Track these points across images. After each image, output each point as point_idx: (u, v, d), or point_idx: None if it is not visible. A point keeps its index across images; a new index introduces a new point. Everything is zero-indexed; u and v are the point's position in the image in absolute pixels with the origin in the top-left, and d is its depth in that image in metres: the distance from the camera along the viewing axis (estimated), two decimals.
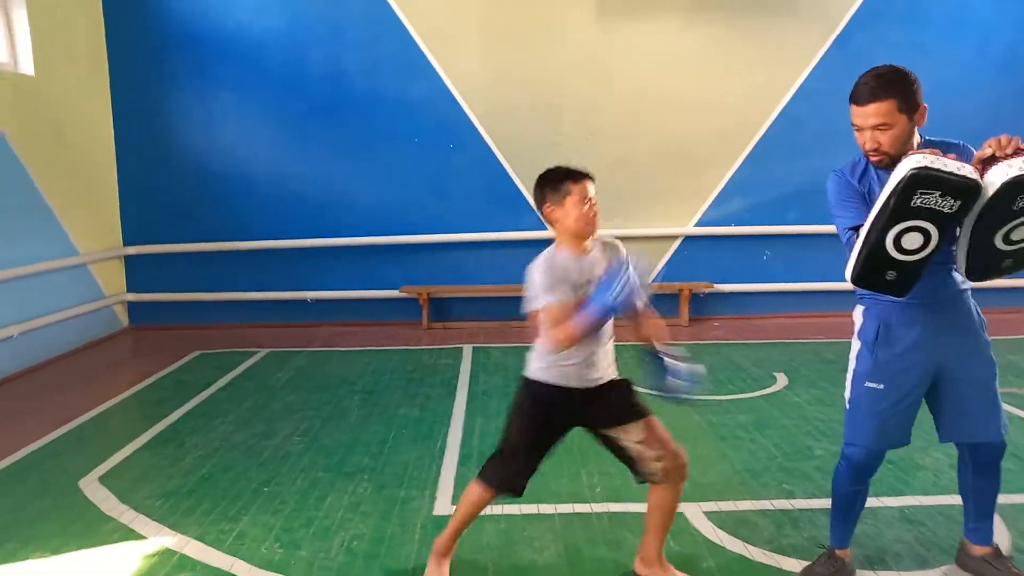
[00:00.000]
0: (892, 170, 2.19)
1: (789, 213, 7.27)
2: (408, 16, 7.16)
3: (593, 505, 3.23)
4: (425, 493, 3.39)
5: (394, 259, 7.40)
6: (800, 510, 3.15)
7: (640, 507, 3.04)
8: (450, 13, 7.20)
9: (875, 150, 2.24)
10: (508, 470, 2.55)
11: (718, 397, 4.79)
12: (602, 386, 2.51)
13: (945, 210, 2.00)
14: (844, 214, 2.35)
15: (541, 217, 2.49)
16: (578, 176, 2.41)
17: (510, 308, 7.40)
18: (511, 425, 2.59)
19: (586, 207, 2.38)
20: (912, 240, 2.06)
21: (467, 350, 6.24)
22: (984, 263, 2.17)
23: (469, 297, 7.41)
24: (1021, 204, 2.03)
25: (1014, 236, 2.09)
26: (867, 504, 2.62)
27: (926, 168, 1.97)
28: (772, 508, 3.18)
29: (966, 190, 1.98)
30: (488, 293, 7.33)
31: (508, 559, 2.75)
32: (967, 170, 1.99)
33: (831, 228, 8.01)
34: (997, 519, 2.75)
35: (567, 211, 2.38)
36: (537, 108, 7.27)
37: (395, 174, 7.33)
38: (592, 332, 2.32)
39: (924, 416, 2.45)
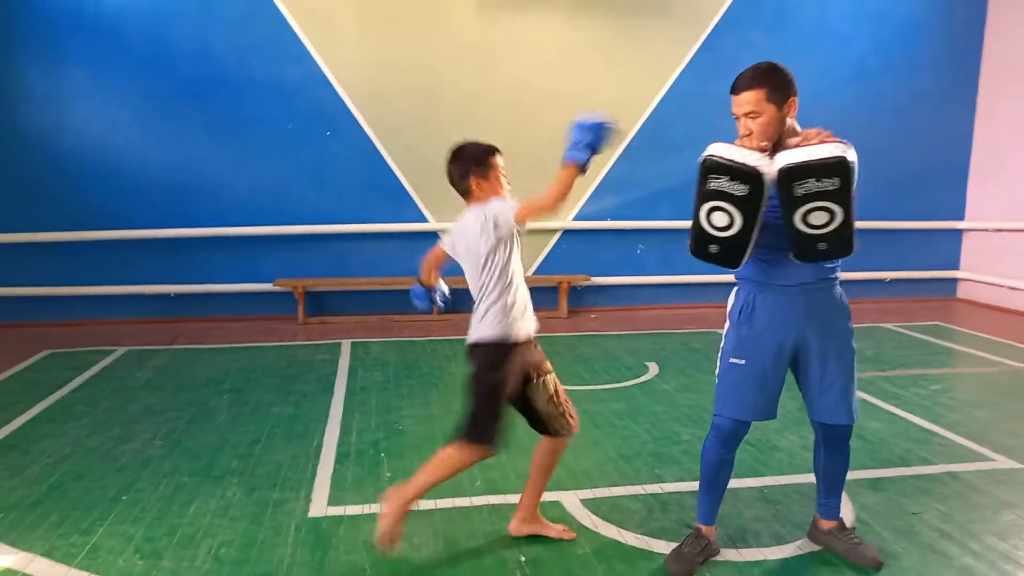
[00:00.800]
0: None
1: (661, 208, 7.57)
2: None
3: (473, 499, 3.23)
4: (300, 494, 3.27)
5: (267, 251, 7.10)
6: (669, 493, 3.29)
7: (518, 498, 3.09)
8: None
9: (747, 136, 2.40)
10: (491, 427, 2.59)
11: (594, 387, 4.93)
12: (531, 340, 2.69)
13: (737, 193, 2.26)
14: None
15: (458, 186, 2.66)
16: (496, 151, 2.66)
17: (390, 302, 7.35)
18: (479, 390, 2.61)
19: (505, 179, 2.65)
20: (719, 219, 2.32)
21: (345, 345, 6.09)
22: (799, 245, 2.32)
23: (347, 291, 7.24)
24: (801, 191, 2.23)
25: (812, 220, 2.25)
26: (729, 486, 2.76)
27: (712, 156, 2.28)
28: (643, 493, 3.29)
29: (747, 176, 2.24)
30: (368, 287, 7.19)
31: (386, 557, 2.70)
32: (752, 159, 2.25)
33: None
34: (844, 495, 2.99)
35: (492, 184, 2.62)
36: (416, 96, 7.18)
37: (268, 161, 7.03)
38: (572, 182, 2.43)
39: (782, 399, 2.61)
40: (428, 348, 6.09)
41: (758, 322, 2.54)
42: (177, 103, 6.83)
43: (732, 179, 2.25)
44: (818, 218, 2.24)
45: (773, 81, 2.36)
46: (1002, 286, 7.86)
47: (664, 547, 2.78)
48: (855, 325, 2.62)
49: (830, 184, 2.20)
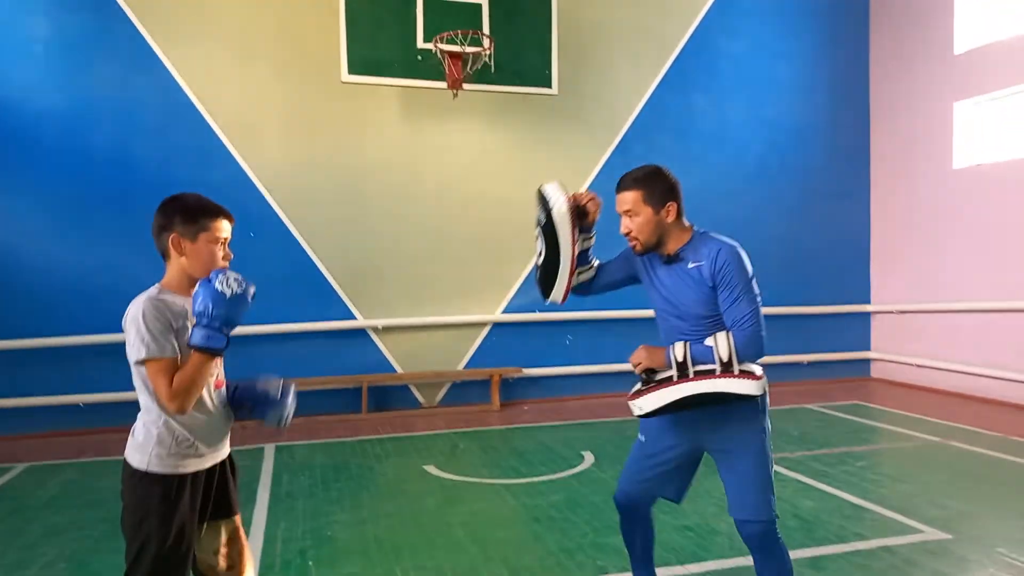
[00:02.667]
0: (652, 256, 2.56)
1: (586, 300, 7.67)
2: (204, 103, 6.91)
3: None
4: None
5: None
6: None
7: None
8: (250, 103, 7.05)
9: (627, 234, 2.48)
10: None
11: (531, 479, 4.83)
12: (219, 465, 2.17)
13: (540, 221, 2.64)
14: None
15: (156, 242, 2.13)
16: (219, 212, 2.11)
17: (316, 402, 7.12)
18: (139, 541, 2.02)
19: (220, 251, 2.10)
20: (538, 245, 2.67)
21: (268, 450, 5.81)
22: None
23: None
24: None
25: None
26: (675, 572, 2.71)
27: (540, 189, 2.68)
28: None
29: (545, 205, 2.62)
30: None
31: None
32: (553, 193, 2.62)
33: (624, 313, 8.49)
34: None
35: (198, 249, 2.06)
36: (344, 198, 7.24)
37: None
38: (207, 371, 1.98)
39: (717, 484, 2.60)
40: (357, 448, 5.88)
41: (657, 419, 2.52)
42: (92, 209, 6.65)
43: (541, 208, 2.59)
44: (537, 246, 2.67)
45: (651, 184, 2.43)
46: (911, 364, 8.25)
47: None
48: (780, 407, 2.63)
49: (541, 216, 2.60)
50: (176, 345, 2.01)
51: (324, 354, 7.11)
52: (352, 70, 6.82)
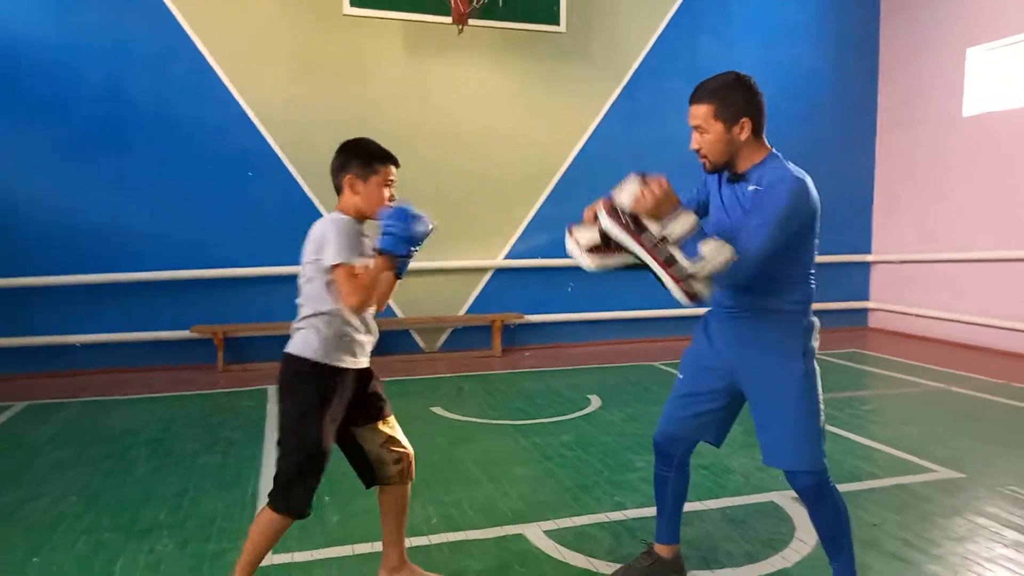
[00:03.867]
0: (723, 175, 2.33)
1: None
2: (201, 37, 6.65)
3: (431, 537, 3.03)
4: (239, 544, 2.94)
5: (184, 296, 6.71)
6: (634, 519, 3.19)
7: (479, 534, 2.93)
8: (248, 38, 6.80)
9: (697, 151, 2.27)
10: (297, 487, 2.24)
11: (539, 420, 4.82)
12: (366, 370, 2.40)
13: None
14: None
15: (333, 180, 2.38)
16: (389, 158, 2.37)
17: None
18: (291, 426, 2.27)
19: (387, 193, 2.34)
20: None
21: (272, 391, 5.76)
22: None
23: (272, 336, 6.89)
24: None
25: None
26: (693, 508, 2.67)
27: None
28: (608, 520, 3.18)
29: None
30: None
31: None
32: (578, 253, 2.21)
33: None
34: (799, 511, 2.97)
35: (369, 191, 2.32)
36: (345, 136, 6.96)
37: (185, 204, 6.69)
38: (384, 280, 2.31)
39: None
40: None
41: (702, 341, 2.44)
42: (86, 145, 6.44)
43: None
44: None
45: (726, 97, 2.19)
46: (909, 314, 8.28)
47: None
48: None
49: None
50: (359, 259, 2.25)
51: None
52: (354, 2, 6.59)
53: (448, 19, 6.73)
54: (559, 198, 7.60)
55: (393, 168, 2.37)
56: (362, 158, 2.33)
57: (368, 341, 2.39)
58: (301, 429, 2.23)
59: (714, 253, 2.00)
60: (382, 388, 2.49)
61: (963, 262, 7.63)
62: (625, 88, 7.87)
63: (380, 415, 2.44)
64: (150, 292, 6.62)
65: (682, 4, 7.98)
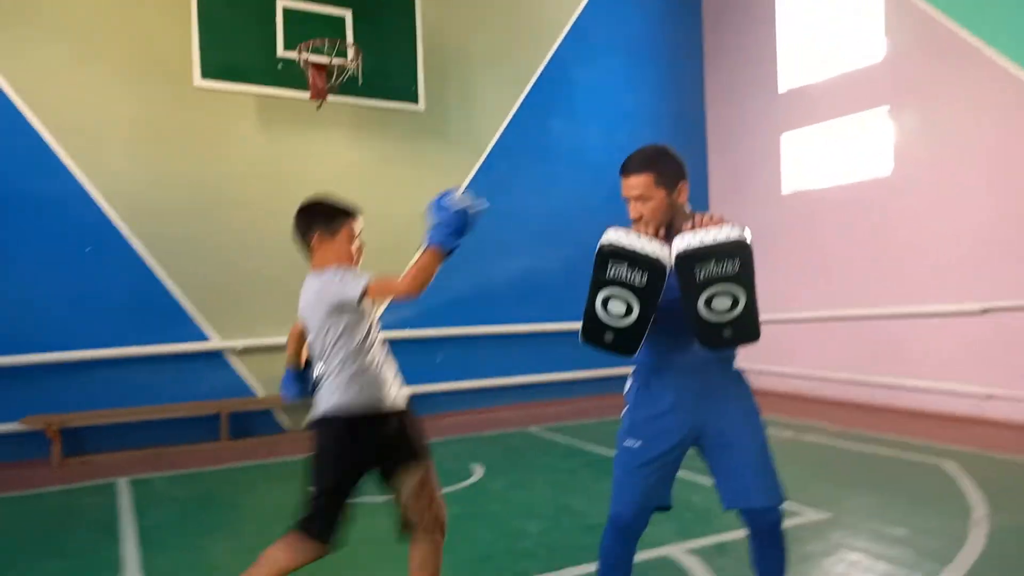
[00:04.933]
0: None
1: (454, 316, 7.69)
2: (32, 106, 6.16)
3: None
4: None
5: (11, 384, 5.97)
6: None
7: None
8: (88, 107, 6.38)
9: (637, 219, 2.33)
10: (329, 517, 2.37)
11: None
12: (394, 414, 2.47)
13: (636, 283, 2.14)
14: None
15: (300, 245, 2.51)
16: (351, 212, 2.49)
17: (172, 432, 6.50)
18: (320, 473, 2.39)
19: (356, 244, 2.50)
20: (616, 306, 2.17)
21: (122, 484, 5.21)
22: (705, 331, 2.17)
23: (116, 424, 6.27)
24: (703, 275, 2.11)
25: (716, 305, 2.13)
26: (587, 570, 2.62)
27: (611, 244, 2.16)
28: None
29: (648, 264, 2.13)
30: (140, 416, 6.29)
31: None
32: (652, 247, 2.14)
33: (496, 328, 8.68)
34: (696, 562, 3.09)
35: (339, 245, 2.45)
36: (197, 212, 6.73)
37: (12, 284, 6.04)
38: (435, 266, 2.32)
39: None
40: (224, 477, 5.43)
41: (655, 404, 2.37)
42: None
43: (632, 267, 2.13)
44: (721, 303, 2.13)
45: (661, 166, 2.31)
46: (749, 370, 8.96)
47: None
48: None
49: (730, 267, 2.11)
50: None
51: (178, 379, 6.53)
52: (206, 74, 6.40)
53: (306, 94, 6.71)
54: None
55: (358, 220, 2.52)
56: (325, 215, 2.46)
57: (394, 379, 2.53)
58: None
59: None
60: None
61: (790, 322, 8.44)
62: (483, 165, 8.16)
63: (411, 458, 2.50)
64: None
65: (532, 88, 8.47)
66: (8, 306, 5.99)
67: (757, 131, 8.93)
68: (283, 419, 7.06)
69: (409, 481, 2.47)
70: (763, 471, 2.30)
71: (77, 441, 6.13)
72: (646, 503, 2.35)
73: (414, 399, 7.86)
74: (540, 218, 8.29)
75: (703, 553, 3.47)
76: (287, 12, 6.66)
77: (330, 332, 2.38)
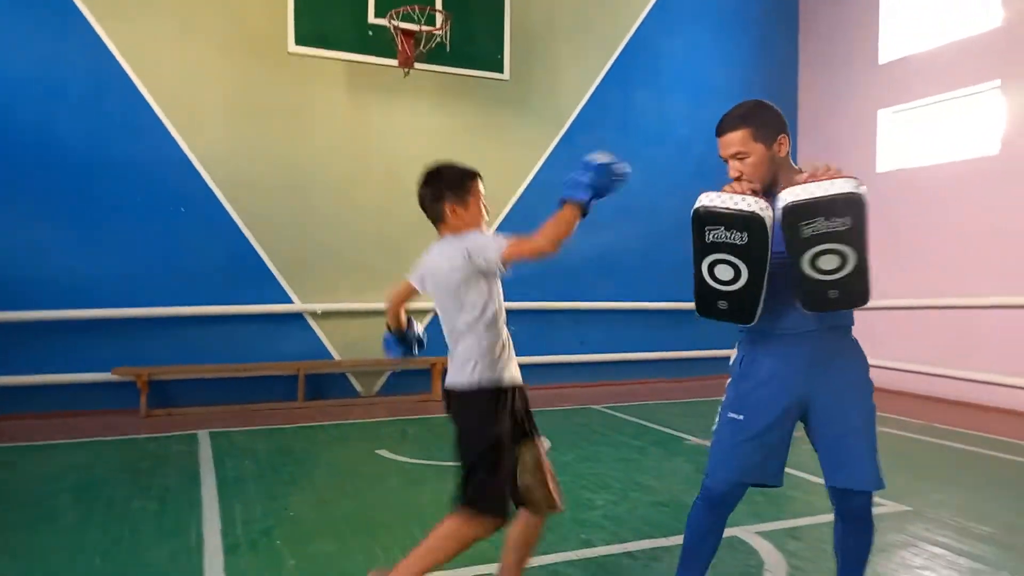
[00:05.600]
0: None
1: (532, 291, 7.67)
2: (141, 76, 6.45)
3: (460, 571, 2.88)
4: None
5: (107, 337, 6.31)
6: (604, 556, 3.14)
7: (451, 575, 2.81)
8: (190, 76, 6.63)
9: (739, 179, 2.21)
10: (501, 492, 2.28)
11: None
12: (520, 387, 2.41)
13: (737, 242, 2.03)
14: None
15: (430, 212, 2.43)
16: (476, 173, 2.44)
17: (251, 389, 6.75)
18: (477, 456, 2.29)
19: (483, 204, 2.43)
20: (724, 271, 2.07)
21: (203, 436, 5.44)
22: (809, 293, 2.06)
23: (199, 379, 6.56)
24: (809, 232, 1.97)
25: (822, 264, 2.00)
26: (660, 544, 2.57)
27: (704, 207, 2.05)
28: (578, 558, 3.12)
29: (745, 222, 2.00)
30: (221, 374, 6.56)
31: None
32: (747, 202, 2.01)
33: (566, 304, 8.60)
34: (767, 545, 2.98)
35: (471, 212, 2.38)
36: (286, 179, 6.93)
37: (115, 241, 6.37)
38: (569, 222, 2.18)
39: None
40: (299, 434, 5.60)
41: (760, 374, 2.24)
42: (18, 186, 6.09)
43: (729, 228, 2.02)
44: (828, 262, 1.99)
45: (758, 119, 2.19)
46: None
47: None
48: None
49: (840, 224, 1.95)
50: None
51: (259, 339, 6.77)
52: (299, 41, 6.54)
53: (394, 62, 6.76)
54: None
55: (480, 183, 2.44)
56: (456, 182, 2.40)
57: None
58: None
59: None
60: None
61: (879, 309, 8.04)
62: (563, 137, 8.06)
63: (531, 434, 2.42)
64: (64, 332, 6.20)
65: (617, 60, 8.30)
66: (106, 261, 6.31)
67: (853, 104, 8.49)
68: (357, 384, 7.22)
69: (527, 457, 2.36)
70: (869, 453, 2.19)
71: (164, 393, 6.45)
72: (743, 479, 2.24)
73: None
74: (620, 194, 8.09)
75: (774, 537, 3.36)
76: None
77: (467, 299, 2.29)
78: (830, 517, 3.63)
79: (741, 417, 2.22)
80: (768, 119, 2.20)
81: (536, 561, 3.06)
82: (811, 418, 2.23)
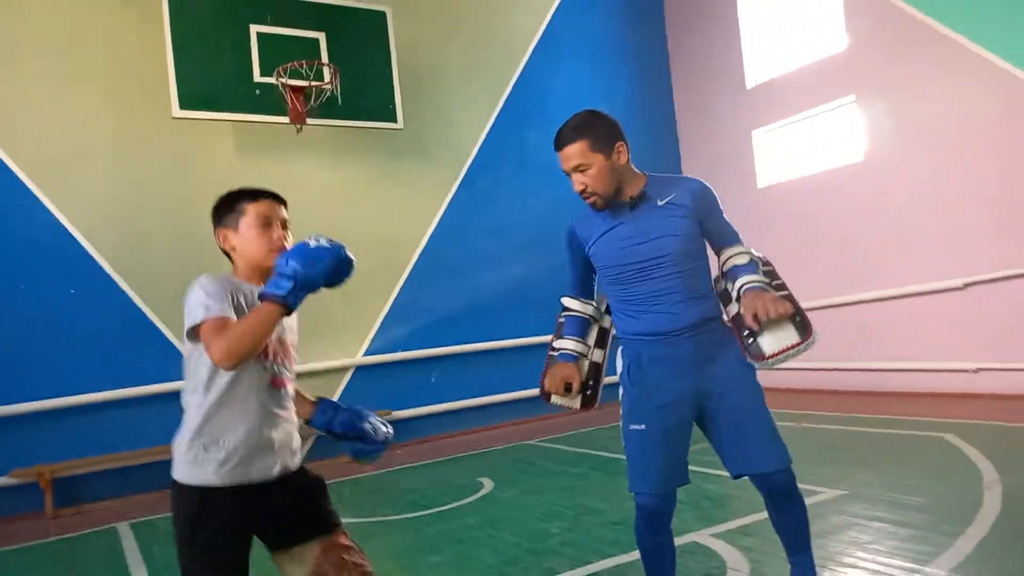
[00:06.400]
0: (611, 210, 2.31)
1: (448, 334, 7.65)
2: (7, 150, 6.06)
3: None
4: None
5: None
6: None
7: None
8: (62, 138, 6.27)
9: (583, 191, 2.25)
10: None
11: (437, 509, 4.64)
12: (280, 480, 1.91)
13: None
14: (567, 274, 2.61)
15: (220, 246, 2.05)
16: (257, 194, 1.97)
17: (169, 472, 6.27)
18: (185, 561, 1.88)
19: (269, 231, 1.94)
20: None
21: (123, 528, 5.05)
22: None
23: (111, 469, 6.10)
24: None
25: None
26: (621, 561, 2.60)
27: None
28: None
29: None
30: (137, 460, 6.13)
31: None
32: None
33: (490, 344, 8.58)
34: (723, 545, 3.07)
35: (243, 236, 1.94)
36: (178, 242, 6.62)
37: None
38: (270, 330, 1.74)
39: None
40: None
41: (648, 379, 2.28)
42: None
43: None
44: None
45: (594, 130, 2.22)
46: None
47: None
48: None
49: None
50: (234, 313, 1.81)
51: (169, 417, 6.28)
52: (184, 105, 6.37)
53: (286, 119, 6.69)
54: (414, 287, 7.62)
55: (266, 203, 1.97)
56: (225, 205, 1.97)
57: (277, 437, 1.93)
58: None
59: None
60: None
61: None
62: (463, 180, 8.16)
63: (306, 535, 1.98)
64: None
65: (507, 100, 8.53)
66: None
67: (728, 127, 9.05)
68: None
69: (310, 559, 1.98)
70: (767, 433, 2.25)
71: (72, 490, 5.95)
72: (668, 487, 2.25)
73: (410, 422, 7.77)
74: (524, 229, 8.30)
75: (728, 536, 3.46)
76: (261, 37, 6.67)
77: (190, 359, 1.88)
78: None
79: (643, 427, 2.25)
80: (604, 128, 2.24)
81: None
82: (706, 412, 2.28)
